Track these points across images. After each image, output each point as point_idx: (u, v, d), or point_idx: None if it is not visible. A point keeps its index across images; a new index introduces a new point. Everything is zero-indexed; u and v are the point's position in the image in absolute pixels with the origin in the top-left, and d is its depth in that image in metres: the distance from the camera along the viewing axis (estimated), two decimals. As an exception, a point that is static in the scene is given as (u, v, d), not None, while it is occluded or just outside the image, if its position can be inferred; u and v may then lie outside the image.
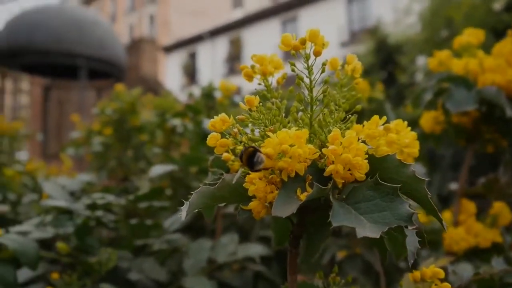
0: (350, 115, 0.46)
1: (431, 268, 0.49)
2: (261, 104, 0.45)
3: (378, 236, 0.34)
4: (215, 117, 0.44)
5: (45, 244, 0.92)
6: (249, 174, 0.42)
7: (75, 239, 0.89)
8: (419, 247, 0.41)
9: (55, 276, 0.81)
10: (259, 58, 0.50)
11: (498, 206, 0.90)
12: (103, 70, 5.81)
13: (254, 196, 0.42)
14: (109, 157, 1.79)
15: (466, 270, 0.68)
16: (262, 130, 0.45)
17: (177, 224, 1.00)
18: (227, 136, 0.44)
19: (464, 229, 0.87)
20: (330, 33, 13.48)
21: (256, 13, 17.58)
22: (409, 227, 0.37)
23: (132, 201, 1.00)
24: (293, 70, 0.46)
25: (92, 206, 0.94)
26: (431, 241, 0.98)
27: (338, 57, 0.49)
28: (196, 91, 1.43)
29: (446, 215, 0.96)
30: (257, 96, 0.45)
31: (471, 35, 0.95)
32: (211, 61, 18.88)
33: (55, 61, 5.42)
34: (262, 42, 15.34)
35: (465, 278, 0.63)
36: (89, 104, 5.95)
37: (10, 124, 1.84)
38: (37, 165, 1.93)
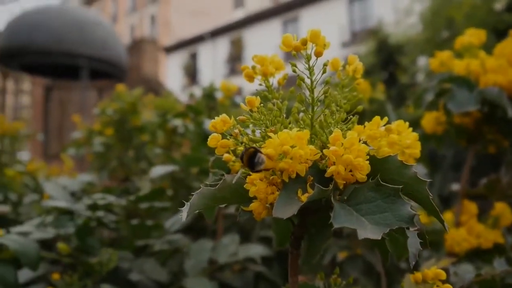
0: (351, 116, 0.46)
1: (433, 269, 0.49)
2: (262, 104, 0.45)
3: (379, 238, 0.34)
4: (216, 117, 0.44)
5: (46, 244, 0.92)
6: (250, 175, 0.42)
7: (76, 239, 0.89)
8: (421, 248, 0.40)
9: (55, 276, 0.82)
10: (260, 59, 0.50)
11: (500, 207, 0.89)
12: (104, 71, 5.82)
13: (255, 197, 0.42)
14: (110, 158, 1.79)
15: (467, 271, 0.68)
16: (263, 131, 0.44)
17: (178, 225, 1.00)
18: (228, 137, 0.44)
19: (465, 230, 0.87)
20: (331, 34, 13.46)
21: (257, 14, 17.59)
22: (411, 229, 0.37)
23: (133, 202, 1.00)
24: (294, 71, 0.46)
25: (93, 207, 0.94)
26: (433, 242, 0.98)
27: (339, 57, 0.49)
28: (197, 92, 1.43)
29: (448, 216, 0.96)
30: (258, 97, 0.45)
31: (473, 36, 0.95)
32: (212, 61, 18.89)
33: (56, 61, 5.44)
34: (263, 42, 15.32)
35: (467, 279, 0.63)
36: (90, 104, 5.96)
37: (11, 124, 1.84)
38: (38, 165, 1.93)
